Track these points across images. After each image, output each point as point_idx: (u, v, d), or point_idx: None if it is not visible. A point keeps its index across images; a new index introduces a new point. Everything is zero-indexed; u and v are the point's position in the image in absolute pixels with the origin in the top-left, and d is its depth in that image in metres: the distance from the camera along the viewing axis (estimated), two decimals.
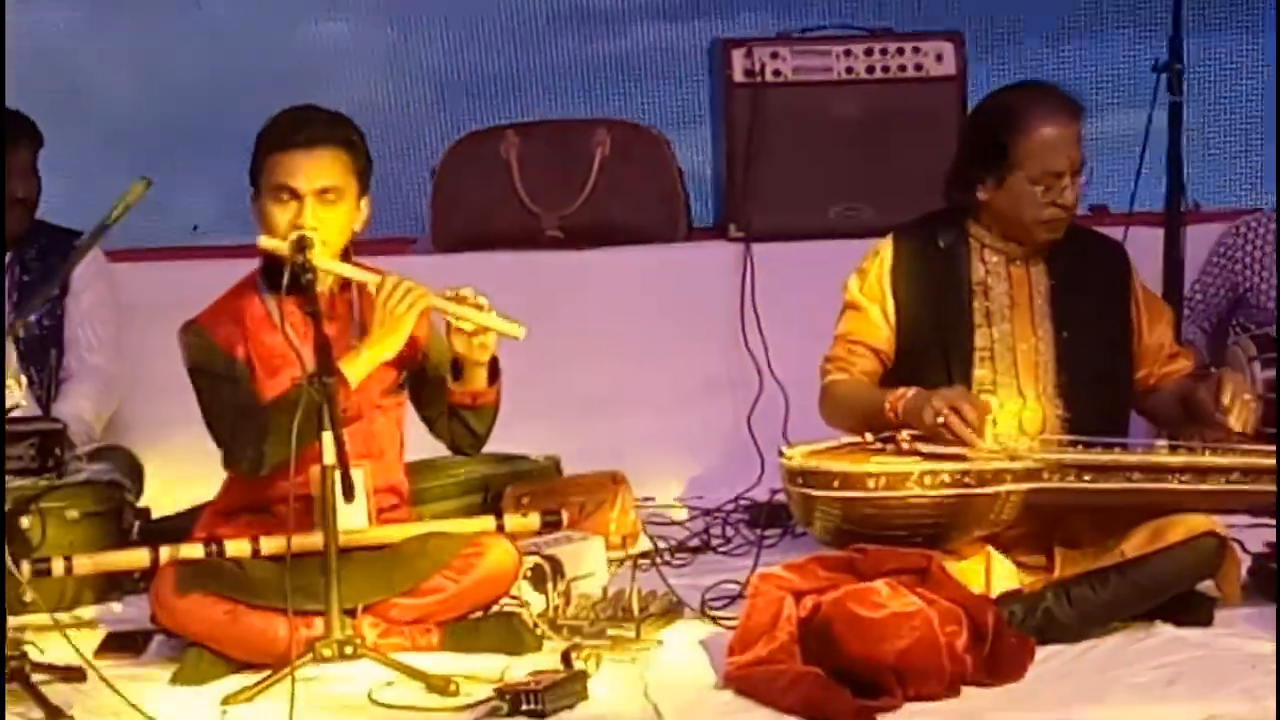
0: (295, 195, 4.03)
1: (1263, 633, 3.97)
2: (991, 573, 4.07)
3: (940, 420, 4.04)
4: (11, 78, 4.91)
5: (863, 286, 4.38)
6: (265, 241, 4.03)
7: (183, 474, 5.04)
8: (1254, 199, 5.88)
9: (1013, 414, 4.25)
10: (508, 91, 6.39)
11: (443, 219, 5.78)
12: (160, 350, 4.34)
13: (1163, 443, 4.25)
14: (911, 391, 4.15)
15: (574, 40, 6.41)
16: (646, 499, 5.31)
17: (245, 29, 6.36)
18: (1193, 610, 4.04)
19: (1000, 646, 3.73)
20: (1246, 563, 4.28)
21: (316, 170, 4.05)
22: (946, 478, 3.98)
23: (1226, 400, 4.11)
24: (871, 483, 3.97)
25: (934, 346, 4.31)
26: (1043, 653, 3.83)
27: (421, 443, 4.42)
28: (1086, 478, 4.05)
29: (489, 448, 4.38)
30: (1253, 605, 4.12)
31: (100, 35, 6.29)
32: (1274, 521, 4.51)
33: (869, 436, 4.16)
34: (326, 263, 4.01)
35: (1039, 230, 4.27)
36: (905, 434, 4.10)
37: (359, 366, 4.00)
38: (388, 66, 6.43)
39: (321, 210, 4.04)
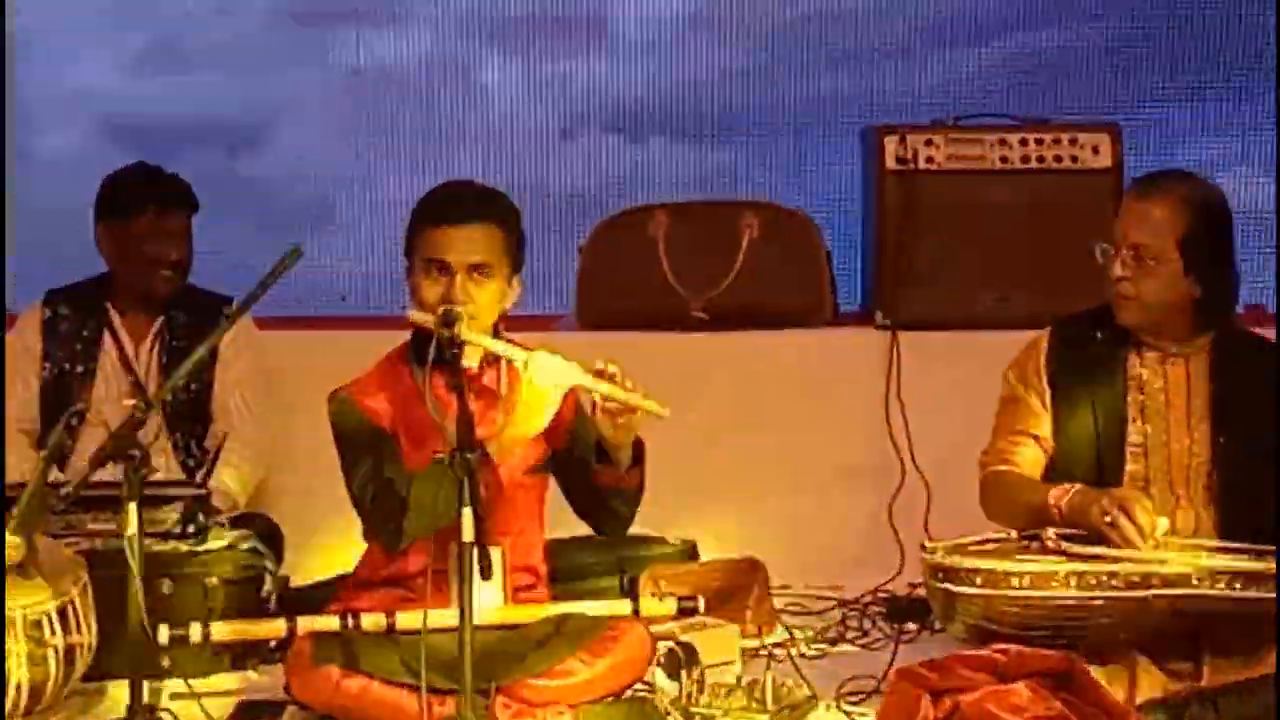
0: (446, 270, 4.06)
1: None
2: (1137, 679, 3.97)
3: (1108, 520, 3.98)
4: (174, 149, 5.03)
5: (1021, 376, 4.36)
6: (415, 315, 4.05)
7: (324, 543, 5.07)
8: None
9: (1166, 514, 4.16)
10: (655, 175, 6.41)
11: (588, 296, 5.79)
12: (306, 418, 4.38)
13: None
14: (1077, 488, 4.10)
15: (727, 122, 6.43)
16: (784, 587, 5.26)
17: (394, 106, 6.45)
18: None
19: None
20: None
21: (468, 246, 4.07)
22: (1093, 579, 3.90)
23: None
24: (1016, 581, 3.90)
25: (1087, 439, 4.26)
26: None
27: (563, 522, 4.40)
28: (1238, 585, 3.95)
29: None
30: None
31: (254, 101, 6.39)
32: None
33: (1013, 534, 4.10)
34: (473, 336, 4.01)
35: (1113, 308, 4.26)
36: (1051, 532, 4.03)
37: (502, 443, 3.99)
38: (543, 142, 6.48)
39: (471, 286, 4.06)
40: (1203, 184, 4.31)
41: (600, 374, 4.01)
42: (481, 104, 6.51)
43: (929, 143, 5.67)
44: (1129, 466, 4.24)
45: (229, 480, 4.97)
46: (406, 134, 6.42)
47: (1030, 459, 4.29)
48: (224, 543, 4.63)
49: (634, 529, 4.40)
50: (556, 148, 6.50)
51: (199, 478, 4.92)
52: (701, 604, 4.39)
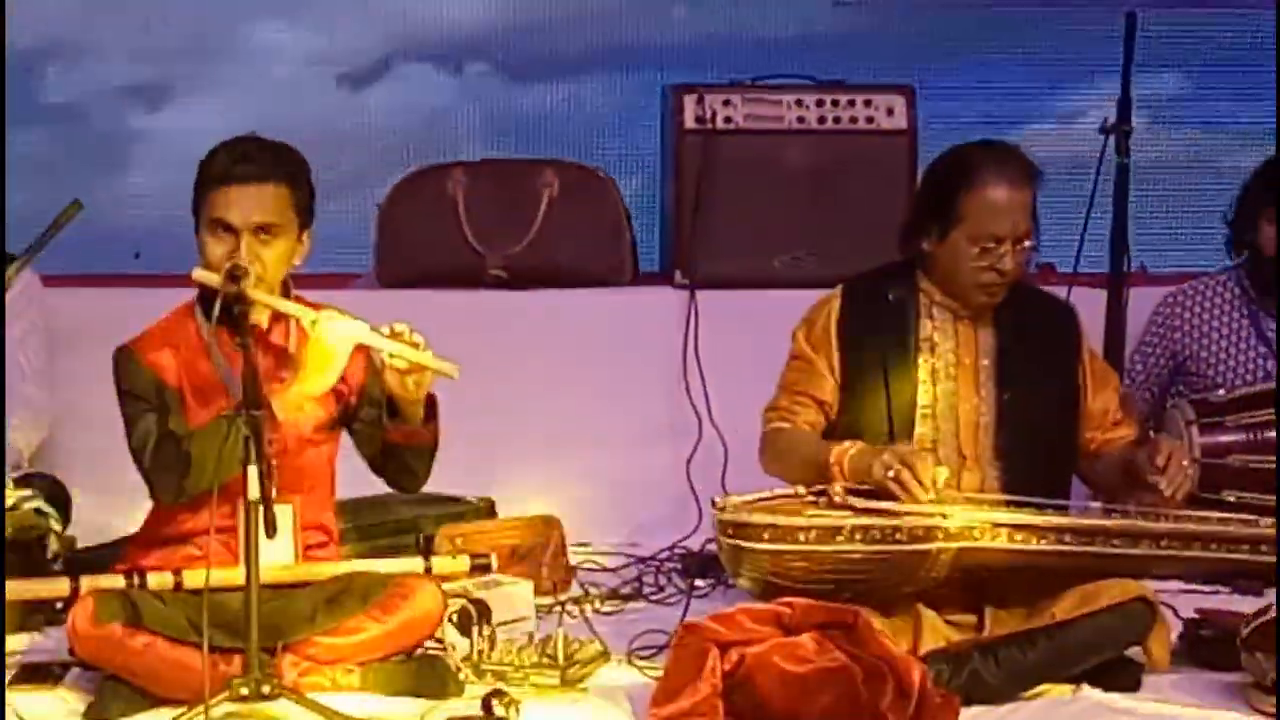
0: (232, 230, 4.00)
1: (1190, 699, 3.96)
2: (920, 630, 4.04)
3: (891, 474, 4.01)
4: None
5: (809, 337, 4.36)
6: (199, 274, 3.99)
7: (113, 504, 4.97)
8: (1202, 263, 5.86)
9: (951, 473, 4.22)
10: (456, 133, 6.36)
11: (387, 255, 5.74)
12: (94, 377, 4.28)
13: (1097, 506, 4.23)
14: (858, 446, 4.13)
15: (525, 82, 6.40)
16: (582, 544, 5.29)
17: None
18: (1120, 676, 4.02)
19: (924, 706, 3.70)
20: (1177, 629, 4.27)
21: (254, 206, 4.01)
22: (878, 533, 3.95)
23: (1161, 462, 4.09)
24: (802, 536, 3.94)
25: (878, 401, 4.28)
26: (967, 714, 3.80)
27: (357, 480, 4.38)
28: (1019, 538, 4.02)
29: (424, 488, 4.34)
30: (1181, 671, 4.11)
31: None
32: (1205, 589, 4.52)
33: (802, 489, 4.13)
34: (261, 296, 3.97)
35: (974, 292, 4.25)
36: (838, 487, 4.07)
37: (288, 401, 3.96)
38: (340, 100, 6.40)
39: (258, 246, 4.01)
40: (1025, 152, 4.30)
41: (390, 334, 4.00)
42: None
43: (727, 102, 5.69)
44: (918, 429, 4.27)
45: (12, 440, 4.86)
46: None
47: (810, 421, 4.31)
48: (7, 503, 4.53)
49: (431, 487, 4.38)
50: (368, 90, 6.40)
51: None
52: (495, 561, 4.41)
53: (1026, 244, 4.22)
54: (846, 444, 4.15)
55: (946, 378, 4.30)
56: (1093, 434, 4.36)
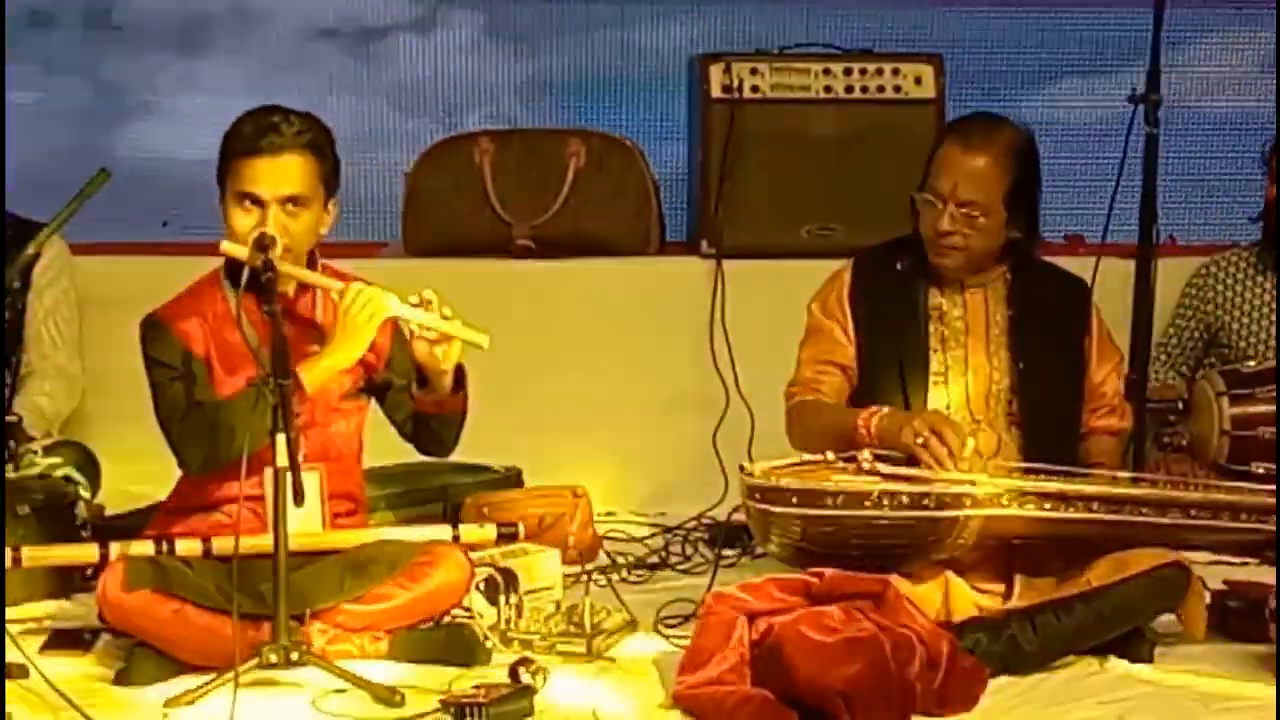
0: (259, 202, 4.00)
1: (1218, 670, 3.95)
2: (949, 598, 4.04)
3: (920, 441, 4.02)
4: None
5: (824, 308, 4.39)
6: (226, 246, 4.00)
7: (141, 471, 4.98)
8: (1231, 234, 5.84)
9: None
10: (483, 100, 6.35)
11: (414, 224, 5.74)
12: (123, 345, 4.30)
13: (1126, 475, 4.22)
14: (886, 410, 4.14)
15: (551, 49, 6.38)
16: (608, 514, 5.29)
17: None
18: (1134, 648, 4.00)
19: (952, 676, 3.70)
20: (1205, 600, 4.25)
21: (281, 178, 4.00)
22: (905, 499, 3.95)
23: None
24: (829, 501, 3.94)
25: (890, 369, 4.29)
26: (994, 684, 3.79)
27: (386, 449, 4.38)
28: (1047, 506, 4.02)
29: (452, 457, 4.34)
30: (1209, 643, 4.10)
31: None
32: (1233, 560, 4.51)
33: (830, 455, 4.13)
34: (288, 267, 3.97)
35: (928, 249, 4.28)
36: (866, 453, 4.07)
37: (317, 374, 3.97)
38: (364, 67, 6.39)
39: (285, 218, 4.00)
40: (1019, 129, 4.32)
41: (418, 303, 4.00)
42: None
43: (754, 71, 5.67)
44: (931, 395, 4.28)
45: (42, 407, 4.90)
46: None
47: (836, 388, 4.32)
48: (36, 471, 4.56)
49: (459, 456, 4.40)
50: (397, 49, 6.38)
51: (11, 405, 4.83)
52: (521, 530, 4.42)
53: (965, 210, 4.19)
54: (874, 408, 4.17)
55: (957, 345, 4.31)
56: (1086, 413, 4.37)
